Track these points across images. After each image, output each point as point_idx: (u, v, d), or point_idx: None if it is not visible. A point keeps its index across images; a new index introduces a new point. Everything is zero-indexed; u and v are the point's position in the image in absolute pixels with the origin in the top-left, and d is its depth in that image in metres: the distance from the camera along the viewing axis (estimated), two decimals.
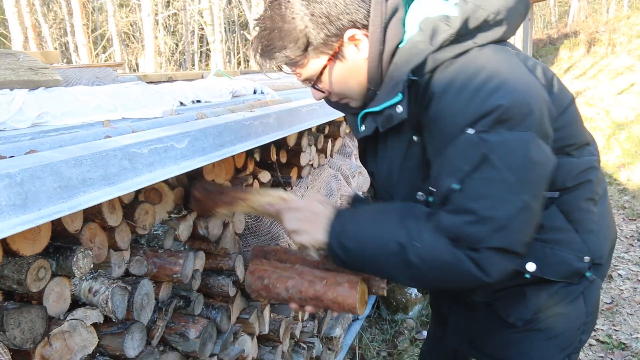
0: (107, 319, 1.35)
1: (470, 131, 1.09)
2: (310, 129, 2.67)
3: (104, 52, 18.37)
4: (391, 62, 1.23)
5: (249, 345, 2.04)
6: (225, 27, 20.46)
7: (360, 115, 1.34)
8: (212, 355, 1.75)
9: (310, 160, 2.65)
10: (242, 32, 23.01)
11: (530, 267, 1.32)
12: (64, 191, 0.94)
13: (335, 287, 1.36)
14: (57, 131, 1.28)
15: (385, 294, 1.45)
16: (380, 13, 1.20)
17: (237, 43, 23.46)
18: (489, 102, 1.07)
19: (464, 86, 1.11)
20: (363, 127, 1.33)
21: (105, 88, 1.53)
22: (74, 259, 1.24)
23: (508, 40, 1.32)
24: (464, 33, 1.16)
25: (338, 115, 2.50)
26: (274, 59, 1.28)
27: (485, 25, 1.18)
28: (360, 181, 3.41)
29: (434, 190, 1.20)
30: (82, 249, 1.26)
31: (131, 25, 19.77)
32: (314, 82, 1.32)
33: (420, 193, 1.31)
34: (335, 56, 1.26)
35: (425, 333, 3.54)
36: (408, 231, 1.18)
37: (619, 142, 9.49)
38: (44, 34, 15.93)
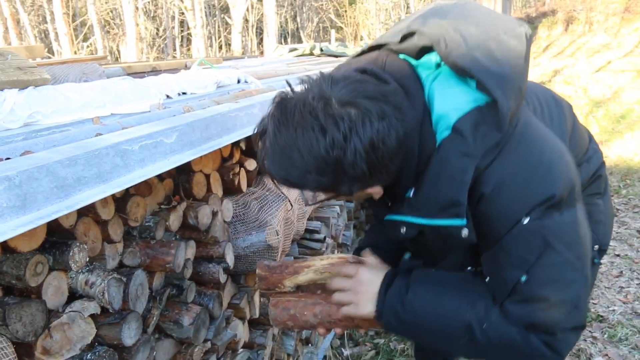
0: (104, 309, 1.39)
1: (526, 220, 1.07)
2: None
3: (84, 41, 18.10)
4: (427, 168, 1.12)
5: (240, 329, 2.10)
6: (205, 12, 20.24)
7: (396, 219, 1.22)
8: (205, 340, 1.80)
9: None
10: (222, 16, 22.77)
11: None
12: (61, 191, 0.99)
13: None
14: (48, 130, 1.32)
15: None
16: (415, 122, 1.10)
17: (218, 27, 23.23)
18: (540, 194, 1.06)
19: (512, 184, 1.07)
20: (404, 230, 1.20)
21: (92, 84, 1.56)
22: (70, 253, 1.28)
23: None
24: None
25: None
26: (287, 181, 1.08)
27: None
28: None
29: (489, 279, 1.18)
30: (78, 244, 1.30)
31: (111, 12, 19.47)
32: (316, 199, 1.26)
33: (469, 268, 1.29)
34: (347, 195, 1.14)
35: None
36: (476, 312, 1.15)
37: (597, 119, 9.64)
38: (23, 22, 15.65)
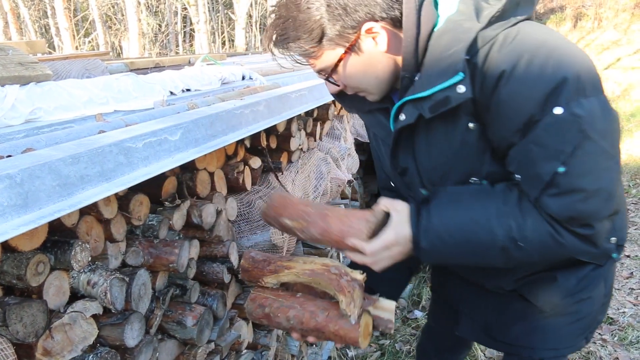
0: (106, 310, 1.37)
1: (559, 110, 1.06)
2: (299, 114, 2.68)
3: (86, 36, 18.08)
4: (428, 46, 1.17)
5: (244, 330, 2.07)
6: (209, 7, 20.18)
7: (397, 105, 1.25)
8: (209, 341, 1.78)
9: (300, 145, 2.67)
10: (226, 11, 22.72)
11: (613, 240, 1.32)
12: (63, 189, 0.96)
13: (337, 320, 1.31)
14: (51, 127, 1.29)
15: (392, 332, 1.42)
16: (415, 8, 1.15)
17: (222, 23, 23.18)
18: (560, 72, 1.06)
19: (530, 62, 1.07)
20: (403, 116, 1.23)
21: (95, 80, 1.53)
22: (72, 253, 1.25)
23: None
24: (509, 8, 1.12)
25: (327, 99, 2.51)
26: (287, 49, 1.23)
27: (523, 1, 1.16)
28: (350, 163, 3.43)
29: (521, 177, 1.17)
30: (80, 243, 1.28)
31: (113, 7, 19.43)
32: (328, 74, 1.28)
33: (474, 178, 1.28)
34: (352, 49, 1.21)
35: (417, 313, 3.60)
36: (507, 230, 1.18)
37: None
38: (24, 17, 15.63)
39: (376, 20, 1.17)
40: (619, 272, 4.19)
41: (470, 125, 1.18)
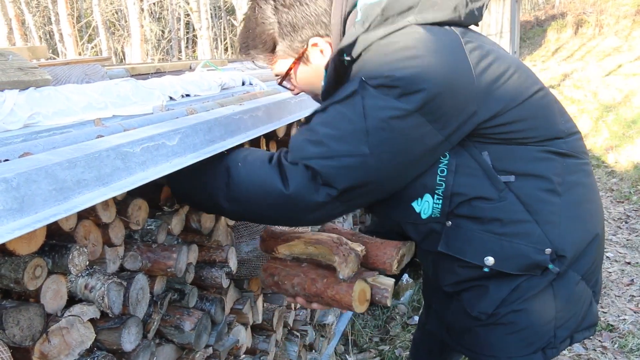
0: (103, 314, 1.37)
1: (362, 79, 1.19)
2: (299, 119, 2.69)
3: (89, 42, 18.15)
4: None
5: (243, 335, 2.07)
6: (211, 14, 20.27)
7: None
8: (207, 346, 1.78)
9: None
10: (228, 18, 22.81)
11: (489, 261, 1.33)
12: (60, 193, 0.96)
13: (334, 286, 1.41)
14: (49, 132, 1.30)
15: (389, 304, 1.47)
16: (341, 7, 1.30)
17: (224, 29, 23.27)
18: (387, 69, 1.16)
19: (378, 61, 1.19)
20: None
21: (94, 86, 1.54)
22: (70, 257, 1.26)
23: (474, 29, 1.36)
24: (392, 14, 1.21)
25: None
26: (248, 55, 1.48)
27: (419, 4, 1.22)
28: None
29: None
30: (77, 247, 1.28)
31: (116, 13, 19.52)
32: (281, 79, 1.49)
33: None
34: (300, 59, 1.41)
35: (417, 318, 3.60)
36: (235, 155, 1.37)
37: (607, 124, 9.58)
38: (28, 23, 15.71)
39: (321, 36, 1.37)
40: (620, 279, 4.18)
41: None
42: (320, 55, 1.39)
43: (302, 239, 1.52)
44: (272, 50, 1.43)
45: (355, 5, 1.30)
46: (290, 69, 1.44)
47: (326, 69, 1.35)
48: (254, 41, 1.43)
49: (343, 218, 3.25)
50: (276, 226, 1.68)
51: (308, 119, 1.31)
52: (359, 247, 1.46)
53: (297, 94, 1.59)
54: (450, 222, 1.35)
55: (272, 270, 1.55)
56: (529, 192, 1.31)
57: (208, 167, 1.37)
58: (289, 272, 1.51)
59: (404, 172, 1.28)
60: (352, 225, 3.58)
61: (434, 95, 1.15)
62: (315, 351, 2.92)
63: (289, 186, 1.24)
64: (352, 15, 1.30)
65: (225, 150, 1.40)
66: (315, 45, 1.37)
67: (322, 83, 1.40)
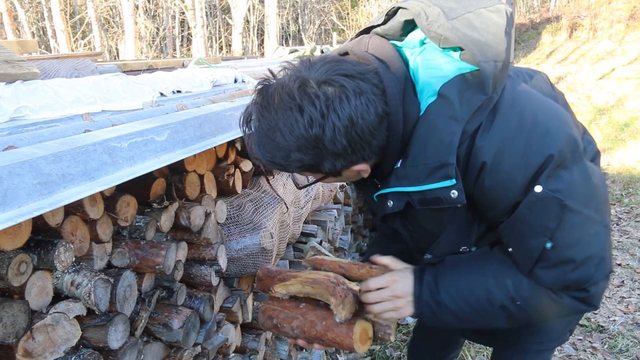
0: (90, 311, 1.36)
1: (538, 189, 1.07)
2: None
3: (83, 38, 18.05)
4: (413, 135, 1.14)
5: (232, 333, 2.06)
6: (206, 12, 20.20)
7: (382, 192, 1.25)
8: (195, 344, 1.77)
9: None
10: (223, 16, 22.73)
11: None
12: (44, 187, 0.95)
13: (334, 328, 1.36)
14: (35, 125, 1.28)
15: (393, 340, 1.45)
16: (397, 92, 1.11)
17: (219, 28, 23.19)
18: (541, 154, 1.06)
19: (510, 151, 1.07)
20: (391, 203, 1.23)
21: (84, 80, 1.52)
22: (56, 253, 1.24)
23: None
24: (492, 92, 1.09)
25: None
26: (273, 162, 1.12)
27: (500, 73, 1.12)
28: None
29: (512, 249, 1.20)
30: (64, 243, 1.27)
31: (110, 10, 19.42)
32: (301, 187, 1.35)
33: (464, 247, 1.30)
34: (334, 175, 1.19)
35: (408, 319, 3.59)
36: (506, 292, 1.20)
37: (600, 127, 9.63)
38: (20, 19, 15.60)
39: (367, 162, 1.15)
40: (610, 280, 4.19)
41: (458, 204, 1.16)
42: (356, 173, 1.20)
43: (299, 278, 1.45)
44: (305, 169, 1.15)
45: (405, 80, 1.14)
46: (316, 182, 1.26)
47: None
48: (282, 152, 1.09)
49: (335, 218, 3.24)
50: (272, 265, 1.61)
51: (538, 260, 1.16)
52: (356, 287, 1.39)
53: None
54: None
55: (270, 313, 1.48)
56: None
57: (475, 306, 1.24)
58: (287, 314, 1.45)
59: None
60: (343, 224, 3.57)
61: (578, 139, 1.14)
62: (306, 351, 2.91)
63: (595, 305, 1.20)
64: (410, 97, 1.13)
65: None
66: (358, 169, 1.16)
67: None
